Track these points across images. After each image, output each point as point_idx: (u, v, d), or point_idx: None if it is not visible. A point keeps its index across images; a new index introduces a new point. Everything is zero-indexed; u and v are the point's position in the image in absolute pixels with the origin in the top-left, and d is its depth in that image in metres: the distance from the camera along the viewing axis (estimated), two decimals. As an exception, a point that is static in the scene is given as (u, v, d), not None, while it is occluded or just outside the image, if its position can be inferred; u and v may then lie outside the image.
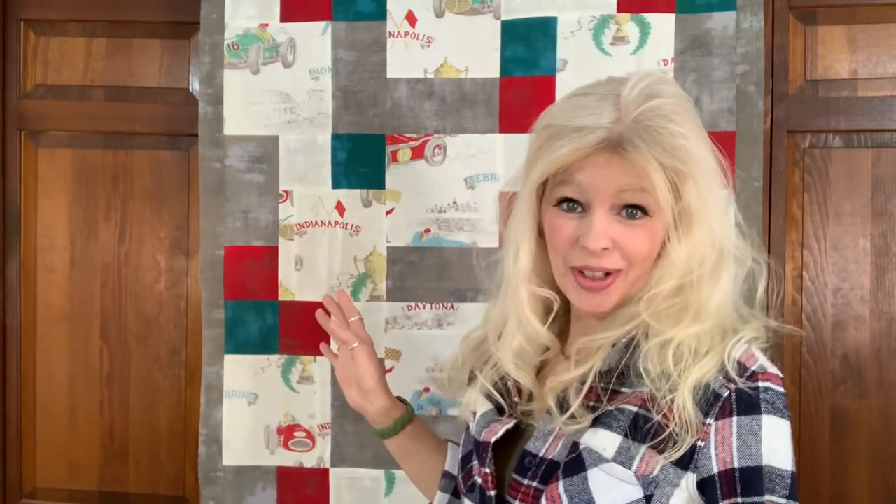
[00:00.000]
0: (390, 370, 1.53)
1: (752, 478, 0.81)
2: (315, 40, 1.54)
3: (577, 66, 1.47)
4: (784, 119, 1.53)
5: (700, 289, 0.87)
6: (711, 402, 0.83)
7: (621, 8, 1.46)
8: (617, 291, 0.89)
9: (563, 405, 0.88)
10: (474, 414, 1.01)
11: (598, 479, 0.84)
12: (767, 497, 0.80)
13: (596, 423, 0.86)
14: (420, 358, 1.53)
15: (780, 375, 0.85)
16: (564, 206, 0.89)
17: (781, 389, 0.84)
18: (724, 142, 1.41)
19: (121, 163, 1.71)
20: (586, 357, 0.89)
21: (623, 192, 0.85)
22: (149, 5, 1.68)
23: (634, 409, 0.85)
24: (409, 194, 1.52)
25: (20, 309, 1.73)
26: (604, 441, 0.85)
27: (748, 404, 0.82)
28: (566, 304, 0.97)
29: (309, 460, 1.56)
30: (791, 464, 0.82)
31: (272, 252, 1.56)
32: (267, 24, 1.55)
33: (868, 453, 1.53)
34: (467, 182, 1.51)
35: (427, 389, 1.53)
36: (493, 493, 0.93)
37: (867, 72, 1.52)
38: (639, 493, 0.83)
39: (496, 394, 0.97)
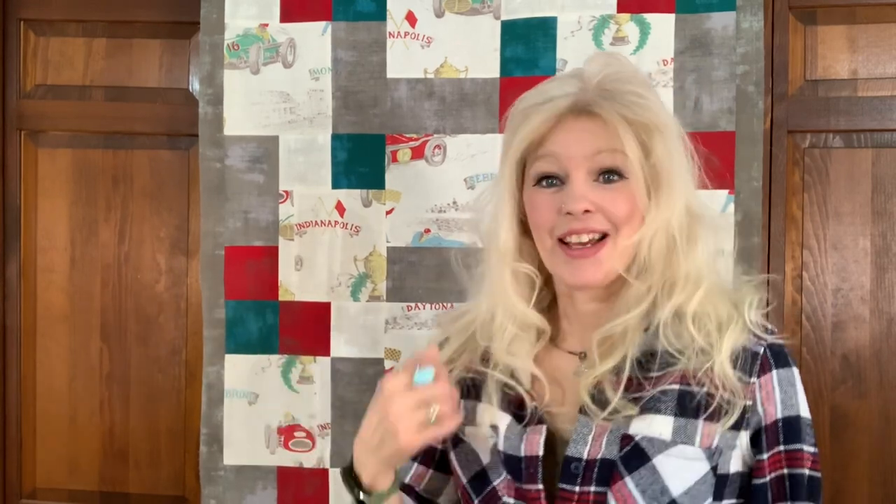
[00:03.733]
0: (390, 370, 1.53)
1: (791, 427, 0.87)
2: (315, 40, 1.54)
3: (577, 65, 1.47)
4: (784, 119, 1.53)
5: (685, 254, 0.89)
6: (751, 362, 0.87)
7: (621, 8, 1.46)
8: (607, 259, 0.89)
9: (600, 401, 0.87)
10: (495, 428, 0.94)
11: (666, 464, 0.84)
12: (804, 447, 0.87)
13: (641, 411, 0.86)
14: (420, 358, 1.53)
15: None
16: (544, 182, 0.91)
17: (784, 342, 0.91)
18: (724, 142, 1.43)
19: (121, 163, 1.71)
20: (611, 347, 0.88)
21: (597, 155, 0.88)
22: (149, 5, 1.68)
23: (676, 387, 0.87)
24: (409, 194, 1.52)
25: (20, 309, 1.73)
26: (658, 426, 0.85)
27: (781, 358, 0.89)
28: (553, 295, 0.97)
29: (309, 460, 1.56)
30: (808, 411, 0.90)
31: (272, 252, 1.56)
32: (267, 24, 1.55)
33: (868, 453, 1.53)
34: (467, 182, 1.51)
35: (427, 389, 1.53)
36: None
37: (867, 72, 1.52)
38: (706, 466, 0.85)
39: (511, 404, 0.93)
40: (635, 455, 0.85)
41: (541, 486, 0.88)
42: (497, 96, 1.50)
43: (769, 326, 0.90)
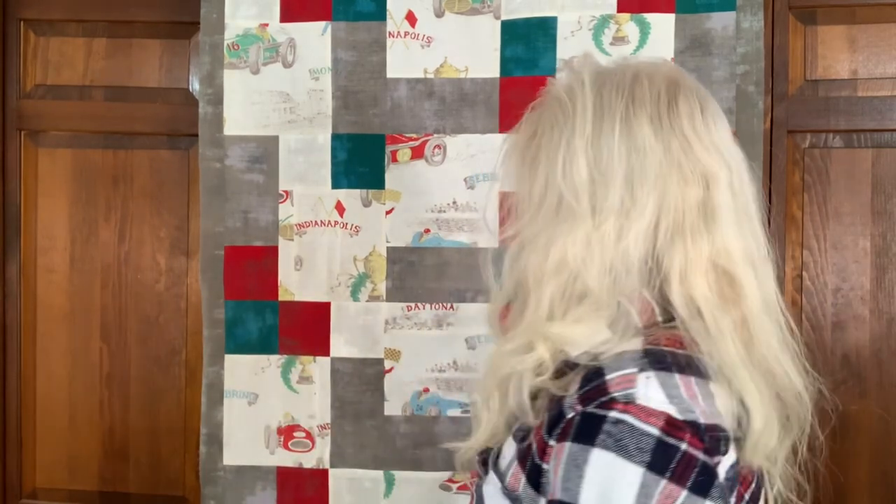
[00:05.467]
0: (390, 370, 1.53)
1: None
2: (315, 40, 1.53)
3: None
4: (784, 119, 1.53)
5: None
6: (556, 421, 0.72)
7: (621, 8, 1.46)
8: None
9: None
10: None
11: (488, 485, 0.79)
12: None
13: (516, 431, 0.80)
14: (420, 358, 1.53)
15: (670, 415, 0.68)
16: None
17: (647, 428, 0.67)
18: (723, 142, 1.43)
19: (121, 163, 1.71)
20: None
21: None
22: (149, 5, 1.68)
23: (535, 421, 0.77)
24: (408, 194, 1.52)
25: (20, 309, 1.73)
26: (507, 449, 0.78)
27: (585, 432, 0.69)
28: None
29: (308, 461, 1.56)
30: None
31: (272, 252, 1.56)
32: (267, 24, 1.55)
33: (869, 453, 1.53)
34: (467, 182, 1.51)
35: (427, 389, 1.53)
36: None
37: (867, 72, 1.52)
38: None
39: None
40: (487, 466, 0.80)
41: None
42: (497, 96, 1.50)
43: (614, 395, 0.69)
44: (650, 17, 1.46)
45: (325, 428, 1.55)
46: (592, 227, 0.74)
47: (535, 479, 0.73)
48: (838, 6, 1.52)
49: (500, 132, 1.50)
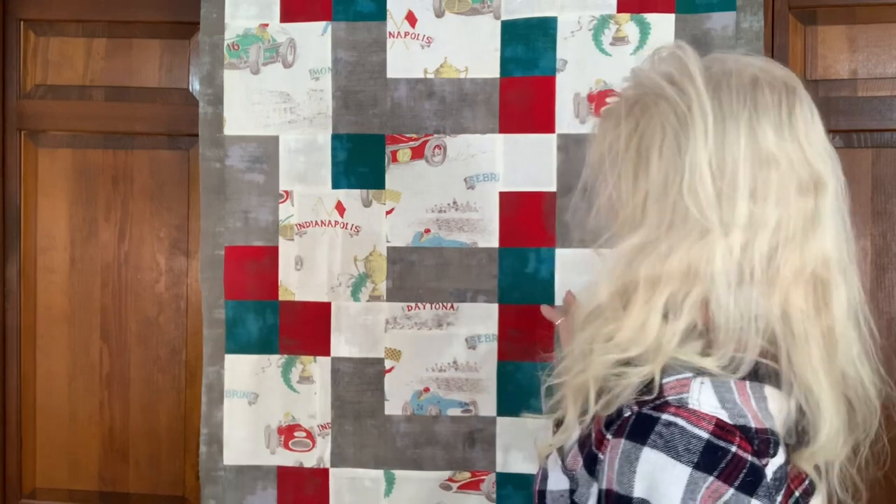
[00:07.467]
0: (390, 370, 1.54)
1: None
2: (315, 40, 1.54)
3: (576, 66, 1.47)
4: (784, 119, 1.53)
5: None
6: (614, 419, 0.76)
7: (621, 8, 1.46)
8: None
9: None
10: None
11: (552, 460, 0.84)
12: None
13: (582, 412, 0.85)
14: (420, 358, 1.53)
15: (720, 420, 0.73)
16: None
17: (697, 431, 0.71)
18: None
19: (121, 163, 1.71)
20: None
21: None
22: (149, 5, 1.68)
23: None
24: (409, 194, 1.52)
25: (20, 309, 1.73)
26: (573, 431, 0.83)
27: (638, 431, 0.73)
28: None
29: (309, 460, 1.56)
30: None
31: (272, 252, 1.56)
32: (267, 25, 1.55)
33: (868, 453, 1.52)
34: (467, 182, 1.51)
35: (427, 389, 1.53)
36: None
37: (867, 72, 1.52)
38: (566, 484, 0.81)
39: None
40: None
41: None
42: (497, 96, 1.50)
43: (668, 399, 0.74)
44: (650, 17, 1.46)
45: (326, 427, 1.55)
46: (718, 238, 0.74)
47: (591, 465, 0.77)
48: (838, 6, 1.52)
49: (500, 132, 1.50)
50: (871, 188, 1.52)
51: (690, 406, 0.73)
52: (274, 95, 1.55)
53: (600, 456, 0.76)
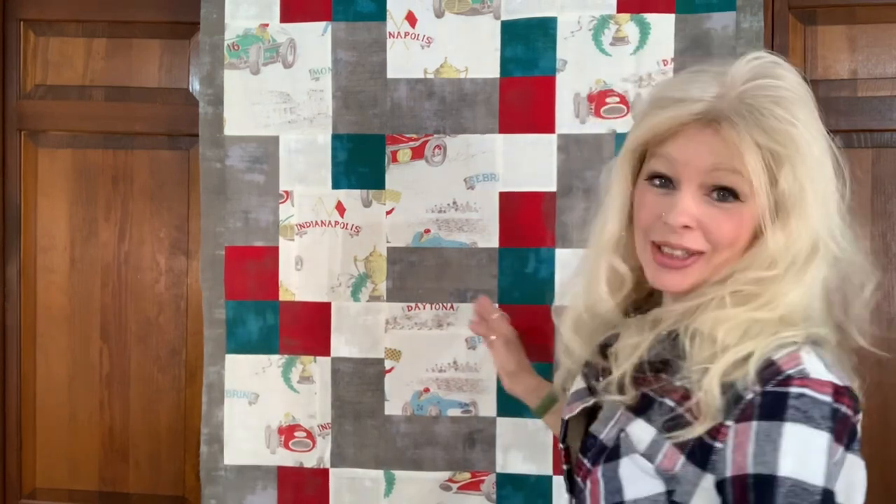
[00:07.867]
0: (390, 370, 1.54)
1: (766, 486, 0.74)
2: (315, 40, 1.53)
3: (576, 66, 1.47)
4: (784, 119, 1.53)
5: (782, 282, 0.82)
6: (732, 404, 0.78)
7: (621, 8, 1.46)
8: (694, 274, 0.86)
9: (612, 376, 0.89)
10: (566, 391, 1.04)
11: (627, 468, 0.84)
12: None
13: (641, 412, 0.86)
14: (420, 358, 1.53)
15: (834, 383, 0.78)
16: (655, 181, 0.87)
17: (824, 398, 0.76)
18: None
19: (121, 163, 1.71)
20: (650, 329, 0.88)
21: (715, 172, 0.83)
22: (149, 5, 1.68)
23: (673, 403, 0.83)
24: (409, 194, 1.52)
25: (20, 309, 1.73)
26: (642, 432, 0.85)
27: (771, 409, 0.76)
28: (649, 294, 0.96)
29: (309, 460, 1.56)
30: (823, 479, 0.74)
31: (272, 252, 1.56)
32: (267, 25, 1.55)
33: (868, 453, 1.52)
34: (467, 182, 1.51)
35: (427, 389, 1.53)
36: (566, 467, 1.00)
37: (867, 72, 1.52)
38: (661, 487, 0.81)
39: (589, 376, 0.98)
40: (615, 450, 0.86)
41: (562, 445, 0.99)
42: (497, 96, 1.50)
43: (789, 373, 0.77)
44: (650, 18, 1.46)
45: (326, 428, 1.55)
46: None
47: (704, 457, 0.79)
48: (838, 6, 1.52)
49: (500, 132, 1.50)
50: (871, 188, 1.52)
51: (812, 375, 0.77)
52: (274, 95, 1.55)
53: (717, 445, 0.78)
